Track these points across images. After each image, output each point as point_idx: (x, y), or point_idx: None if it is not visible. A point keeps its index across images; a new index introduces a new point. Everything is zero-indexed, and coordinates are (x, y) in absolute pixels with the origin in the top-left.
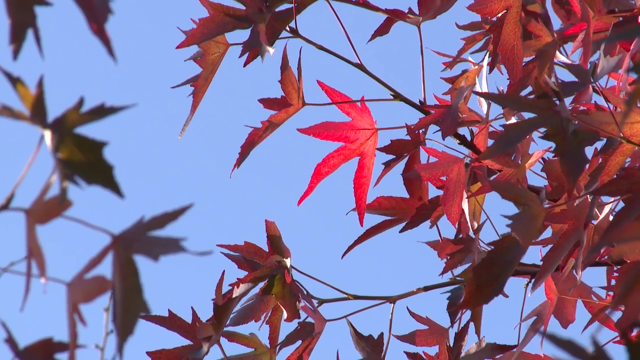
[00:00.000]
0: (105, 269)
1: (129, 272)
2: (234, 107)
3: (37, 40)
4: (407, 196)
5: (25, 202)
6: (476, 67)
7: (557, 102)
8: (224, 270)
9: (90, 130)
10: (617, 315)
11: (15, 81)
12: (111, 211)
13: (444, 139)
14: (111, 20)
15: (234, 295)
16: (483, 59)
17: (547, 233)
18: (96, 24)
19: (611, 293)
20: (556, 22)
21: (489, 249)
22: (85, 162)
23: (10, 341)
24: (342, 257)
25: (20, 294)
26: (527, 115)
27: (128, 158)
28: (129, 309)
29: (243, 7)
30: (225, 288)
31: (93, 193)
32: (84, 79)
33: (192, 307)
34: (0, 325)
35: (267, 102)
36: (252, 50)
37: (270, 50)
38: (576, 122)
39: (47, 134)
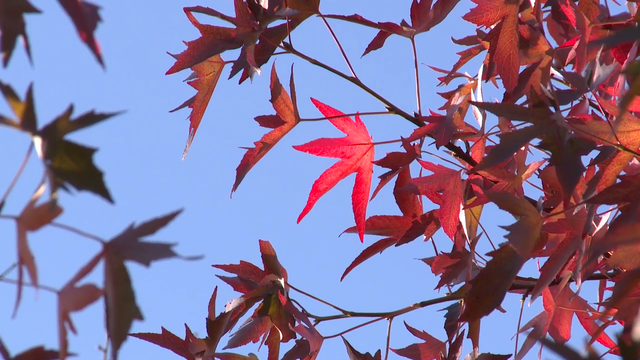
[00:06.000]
0: (97, 276)
1: (121, 279)
2: (233, 119)
3: (27, 47)
4: (400, 214)
5: (15, 210)
6: (472, 81)
7: (553, 110)
8: (216, 287)
9: (80, 137)
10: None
11: (5, 89)
12: (102, 218)
13: (437, 149)
14: (101, 28)
15: (227, 310)
16: (477, 73)
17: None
18: (85, 32)
19: (603, 309)
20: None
21: (488, 259)
22: (75, 168)
23: (2, 349)
24: (341, 280)
25: (11, 302)
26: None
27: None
28: (122, 315)
29: (234, 27)
30: (222, 308)
31: (84, 200)
32: (74, 86)
33: (185, 324)
34: None
35: (263, 120)
36: (245, 69)
37: (258, 71)
38: (572, 132)
39: (37, 141)
